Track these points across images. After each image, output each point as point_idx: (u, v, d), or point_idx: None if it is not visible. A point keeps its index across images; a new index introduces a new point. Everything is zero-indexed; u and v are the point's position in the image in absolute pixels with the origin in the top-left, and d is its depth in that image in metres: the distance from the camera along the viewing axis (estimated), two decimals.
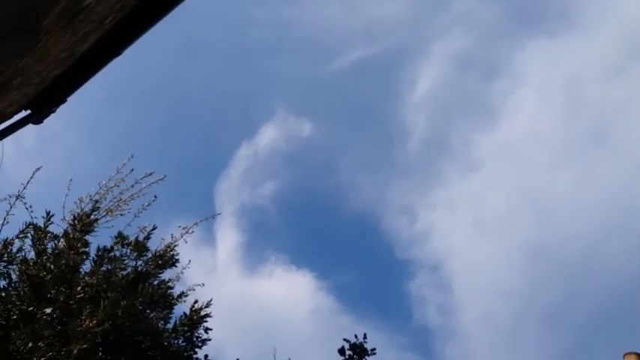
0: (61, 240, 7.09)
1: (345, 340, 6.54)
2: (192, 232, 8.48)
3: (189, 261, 8.40)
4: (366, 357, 6.44)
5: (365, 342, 6.48)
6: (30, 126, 5.55)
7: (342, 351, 6.44)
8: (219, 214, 9.20)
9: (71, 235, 7.08)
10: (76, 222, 7.13)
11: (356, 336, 6.55)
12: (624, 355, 12.97)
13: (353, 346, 6.42)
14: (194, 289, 8.21)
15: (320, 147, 27.20)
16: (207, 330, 7.76)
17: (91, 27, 3.89)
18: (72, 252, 6.88)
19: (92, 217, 7.36)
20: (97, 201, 7.55)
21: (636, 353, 12.58)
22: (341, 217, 26.96)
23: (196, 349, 7.61)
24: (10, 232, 6.98)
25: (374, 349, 6.43)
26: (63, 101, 5.45)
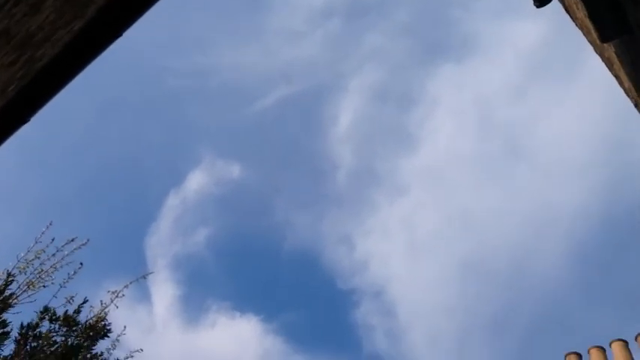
0: None
1: None
2: (123, 295, 8.07)
3: (125, 327, 7.96)
4: None
5: None
6: None
7: None
8: (150, 272, 8.78)
9: None
10: None
11: None
12: (565, 355, 13.44)
13: None
14: (132, 357, 7.81)
15: (251, 188, 27.02)
16: None
17: None
18: None
19: (6, 292, 6.83)
20: (10, 274, 7.03)
21: (576, 353, 13.07)
22: (280, 256, 26.71)
23: None
24: None
25: None
26: None
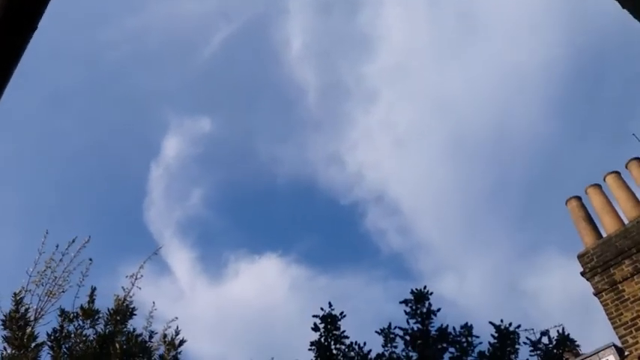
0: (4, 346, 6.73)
1: (314, 316, 6.61)
2: (141, 275, 8.26)
3: (153, 303, 8.24)
4: (338, 322, 6.56)
5: (332, 310, 6.59)
6: None
7: (315, 328, 6.53)
8: (160, 247, 8.92)
9: (15, 336, 6.74)
10: (8, 321, 6.77)
11: (330, 304, 6.64)
12: (566, 201, 13.91)
13: (324, 319, 6.53)
14: (169, 327, 8.08)
15: (227, 137, 26.84)
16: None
17: None
18: (22, 351, 6.53)
19: (23, 310, 7.00)
20: (18, 294, 7.15)
21: (575, 197, 13.50)
22: (277, 193, 26.97)
23: None
24: None
25: (342, 313, 6.56)
26: None
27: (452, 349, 7.18)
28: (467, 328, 7.33)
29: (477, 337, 7.42)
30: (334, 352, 6.33)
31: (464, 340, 7.32)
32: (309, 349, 6.32)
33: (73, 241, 7.91)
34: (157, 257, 8.82)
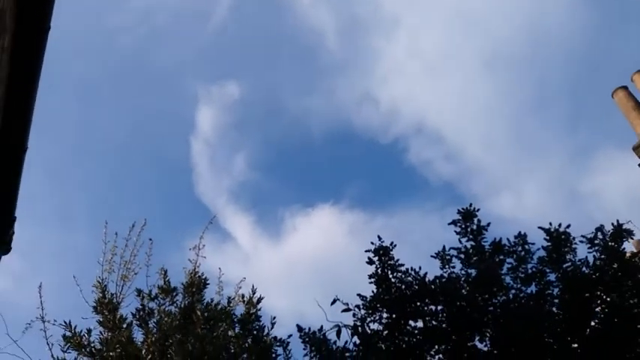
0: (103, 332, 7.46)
1: (366, 251, 6.92)
2: (203, 245, 8.83)
3: (220, 269, 8.82)
4: (390, 253, 6.86)
5: (382, 242, 6.89)
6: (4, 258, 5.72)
7: (369, 261, 6.85)
8: (214, 216, 9.45)
9: (107, 320, 7.45)
10: (99, 307, 7.46)
11: (379, 237, 6.96)
12: (612, 92, 13.56)
13: (376, 252, 6.85)
14: (240, 287, 8.63)
15: (256, 99, 27.09)
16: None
17: None
18: (115, 332, 7.24)
19: (106, 295, 7.69)
20: (102, 283, 7.83)
21: (622, 87, 13.15)
22: (315, 144, 27.21)
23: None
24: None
25: (392, 243, 6.85)
26: (14, 219, 5.59)
27: (509, 260, 7.37)
28: (521, 237, 7.47)
29: (533, 243, 7.55)
30: (392, 280, 6.70)
31: (520, 249, 7.48)
32: (369, 282, 6.72)
33: (133, 226, 8.54)
34: (216, 226, 9.36)
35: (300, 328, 6.42)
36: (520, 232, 7.68)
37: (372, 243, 6.74)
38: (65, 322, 7.36)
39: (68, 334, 7.28)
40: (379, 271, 6.77)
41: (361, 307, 6.48)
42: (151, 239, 8.46)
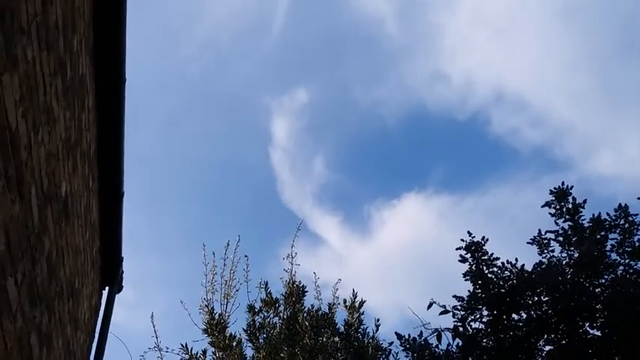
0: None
1: (457, 248, 6.75)
2: (296, 253, 9.07)
3: (314, 273, 9.03)
4: (482, 248, 6.64)
5: (473, 237, 6.70)
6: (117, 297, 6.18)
7: (462, 259, 6.68)
8: (301, 221, 9.66)
9: (218, 341, 7.85)
10: (209, 329, 7.84)
11: (469, 232, 6.78)
12: None
13: (467, 248, 6.66)
14: (337, 289, 8.80)
15: (325, 99, 27.16)
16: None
17: (82, 221, 4.35)
18: (227, 351, 7.60)
19: (214, 316, 8.06)
20: (208, 305, 8.23)
21: None
22: (391, 133, 26.86)
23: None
24: None
25: (484, 237, 6.64)
26: (121, 260, 6.03)
27: (613, 236, 6.98)
28: (622, 210, 7.04)
29: (636, 215, 7.08)
30: (489, 276, 6.51)
31: (623, 222, 7.06)
32: (465, 280, 6.58)
33: (228, 245, 8.92)
34: (306, 231, 9.57)
35: (399, 336, 6.40)
36: (620, 205, 7.24)
37: (462, 240, 6.61)
38: (182, 345, 7.81)
39: (185, 356, 7.71)
40: (473, 267, 6.61)
41: (459, 307, 6.36)
42: (246, 255, 8.80)
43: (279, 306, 8.50)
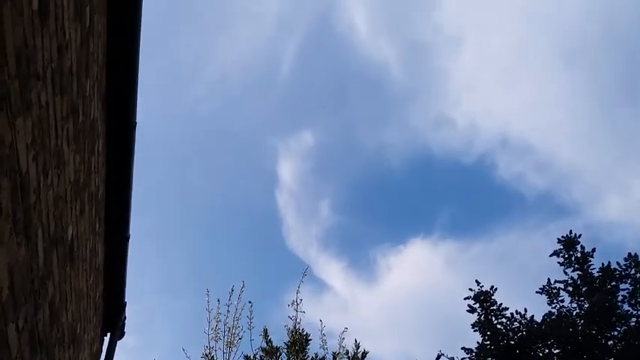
0: None
1: (465, 298, 6.63)
2: (301, 300, 8.95)
3: (321, 321, 8.88)
4: (491, 297, 6.52)
5: (481, 287, 6.58)
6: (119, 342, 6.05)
7: (470, 309, 6.56)
8: (307, 267, 9.58)
9: None
10: None
11: (477, 282, 6.66)
12: None
13: (476, 298, 6.54)
14: (344, 338, 8.64)
15: (331, 141, 27.37)
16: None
17: (88, 266, 4.32)
18: None
19: None
20: (209, 355, 8.07)
21: None
22: (396, 176, 26.90)
23: None
24: None
25: (492, 287, 6.53)
26: (124, 305, 5.94)
27: (624, 286, 6.86)
28: (632, 259, 6.95)
29: None
30: (498, 327, 6.35)
31: (634, 271, 6.95)
32: (474, 331, 6.42)
33: (232, 290, 8.83)
34: (311, 276, 9.48)
35: None
36: (630, 254, 7.16)
37: (471, 289, 6.49)
38: None
39: None
40: (482, 318, 6.47)
41: None
42: (250, 302, 8.70)
43: (280, 355, 8.33)
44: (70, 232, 3.41)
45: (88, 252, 4.14)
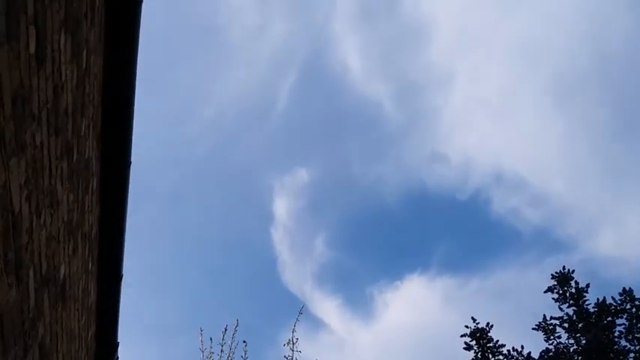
0: None
1: (462, 335, 6.59)
2: (297, 339, 8.83)
3: None
4: (487, 334, 6.48)
5: (477, 324, 6.54)
6: None
7: (467, 347, 6.51)
8: (302, 305, 9.48)
9: None
10: None
11: (473, 319, 6.62)
12: None
13: (472, 335, 6.50)
14: None
15: (326, 177, 27.50)
16: None
17: (80, 305, 4.29)
18: None
19: None
20: None
21: None
22: (392, 211, 26.94)
23: None
24: None
25: (488, 323, 6.49)
26: (117, 345, 5.85)
27: (620, 321, 6.81)
28: (627, 294, 6.92)
29: None
30: None
31: (629, 306, 6.91)
32: None
33: (226, 329, 8.71)
34: (307, 314, 9.36)
35: None
36: (625, 288, 7.12)
37: (467, 326, 6.45)
38: None
39: None
40: (479, 355, 6.40)
41: None
42: (245, 341, 8.58)
43: None
44: (62, 271, 3.40)
45: (80, 292, 4.11)
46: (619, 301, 6.87)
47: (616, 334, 6.64)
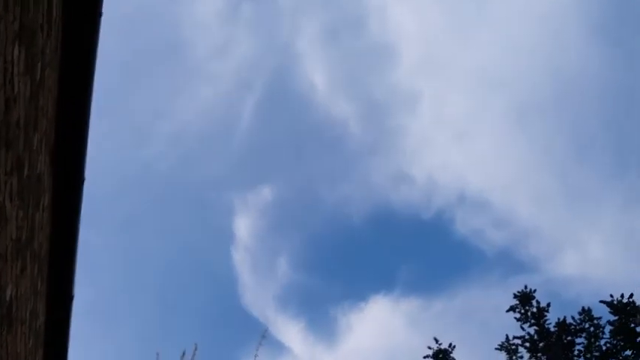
0: None
1: (424, 357, 6.57)
2: None
3: None
4: (450, 355, 6.49)
5: (440, 345, 6.55)
6: None
7: None
8: (265, 329, 9.31)
9: None
10: None
11: (436, 339, 6.60)
12: None
13: (435, 356, 6.50)
14: None
15: (290, 197, 27.42)
16: None
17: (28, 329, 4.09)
18: None
19: None
20: None
21: None
22: (357, 232, 26.98)
23: None
24: None
25: (451, 344, 6.50)
26: None
27: (579, 340, 6.92)
28: (585, 313, 7.06)
29: (599, 317, 7.10)
30: None
31: (588, 325, 7.04)
32: None
33: (183, 354, 8.45)
34: (269, 338, 9.17)
35: None
36: (584, 308, 7.27)
37: (429, 347, 6.44)
38: None
39: None
40: None
41: None
42: None
43: None
44: (8, 292, 3.22)
45: (27, 313, 3.91)
46: (578, 321, 6.99)
47: (575, 353, 6.73)
